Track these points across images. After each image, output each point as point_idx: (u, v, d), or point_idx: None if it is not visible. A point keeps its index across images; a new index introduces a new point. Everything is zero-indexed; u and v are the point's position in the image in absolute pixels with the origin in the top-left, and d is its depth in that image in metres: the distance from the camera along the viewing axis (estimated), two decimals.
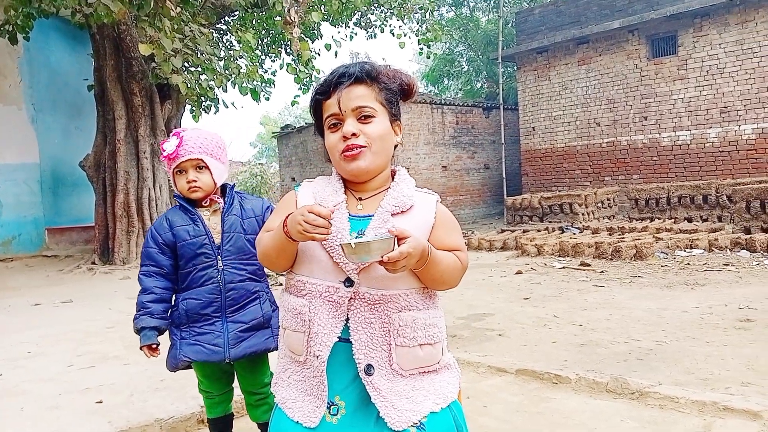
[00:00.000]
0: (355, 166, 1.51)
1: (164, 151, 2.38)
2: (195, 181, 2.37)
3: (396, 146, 1.60)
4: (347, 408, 1.48)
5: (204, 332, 2.36)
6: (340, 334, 1.48)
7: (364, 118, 1.51)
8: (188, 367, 2.45)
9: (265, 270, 2.47)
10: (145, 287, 2.39)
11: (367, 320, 1.48)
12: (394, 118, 1.58)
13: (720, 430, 2.75)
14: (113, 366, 4.18)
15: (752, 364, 3.70)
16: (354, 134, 1.49)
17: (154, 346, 2.35)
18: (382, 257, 1.33)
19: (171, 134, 2.43)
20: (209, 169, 2.38)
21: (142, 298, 2.38)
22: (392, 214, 1.51)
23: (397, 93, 1.58)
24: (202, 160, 2.36)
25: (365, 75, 1.52)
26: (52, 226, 12.30)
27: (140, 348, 2.36)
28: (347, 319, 1.48)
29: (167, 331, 2.43)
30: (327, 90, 1.54)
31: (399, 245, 1.35)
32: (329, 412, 1.48)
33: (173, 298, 2.45)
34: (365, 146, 1.50)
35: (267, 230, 1.59)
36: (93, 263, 10.17)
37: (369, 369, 1.47)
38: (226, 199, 2.47)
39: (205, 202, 2.45)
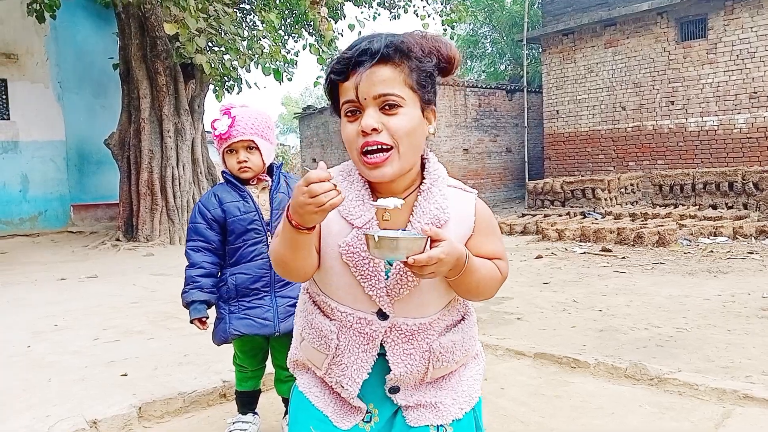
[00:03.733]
0: (380, 174, 1.24)
1: (215, 129, 2.39)
2: (246, 161, 2.41)
3: (427, 138, 1.32)
4: (381, 416, 1.41)
5: (254, 306, 2.42)
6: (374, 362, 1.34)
7: (388, 107, 1.21)
8: (233, 340, 2.49)
9: None
10: (193, 261, 2.44)
11: (405, 351, 1.34)
12: (428, 103, 1.29)
13: (739, 418, 2.74)
14: (137, 340, 4.27)
15: None
16: (375, 129, 1.20)
17: (205, 319, 2.41)
18: (407, 258, 1.15)
19: (221, 110, 2.42)
20: (259, 150, 2.42)
21: (191, 272, 2.43)
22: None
23: (434, 72, 1.28)
24: (253, 141, 2.39)
25: (392, 53, 1.21)
26: (78, 202, 12.52)
27: (191, 321, 2.41)
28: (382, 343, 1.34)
29: (213, 306, 2.48)
30: (345, 70, 1.24)
31: (431, 247, 1.16)
32: (363, 420, 1.40)
33: (220, 273, 2.50)
34: (390, 148, 1.22)
35: (276, 236, 1.32)
36: (117, 240, 10.33)
37: (393, 390, 1.38)
38: (273, 177, 2.51)
39: (253, 181, 2.49)
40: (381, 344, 1.34)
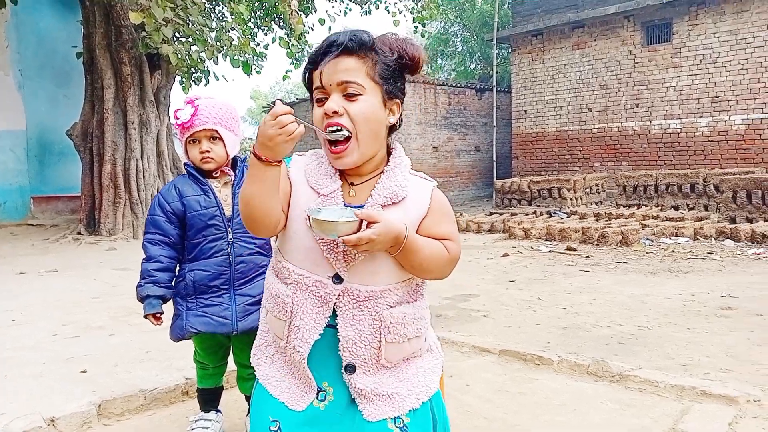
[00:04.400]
0: (341, 163, 1.40)
1: (178, 119, 2.34)
2: (208, 151, 2.35)
3: (391, 127, 1.46)
4: (335, 394, 1.45)
5: (212, 304, 2.36)
6: (327, 323, 1.42)
7: (350, 95, 1.36)
8: (189, 337, 2.44)
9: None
10: (150, 255, 2.37)
11: (355, 317, 1.41)
12: (391, 96, 1.42)
13: (697, 414, 2.80)
14: (98, 336, 4.18)
15: (732, 351, 3.76)
16: (336, 112, 1.35)
17: (159, 314, 2.35)
18: (338, 237, 1.29)
19: (185, 101, 2.38)
20: (223, 141, 2.37)
21: (148, 266, 2.37)
22: (382, 206, 1.41)
23: (398, 67, 1.41)
24: (216, 131, 2.34)
25: (356, 45, 1.36)
26: (38, 194, 12.19)
27: (144, 316, 2.36)
28: (335, 310, 1.42)
29: (170, 301, 2.42)
30: (316, 59, 1.40)
31: (368, 227, 1.29)
32: (317, 398, 1.45)
33: (177, 267, 2.45)
34: (349, 137, 1.36)
35: (244, 183, 1.44)
36: (79, 233, 10.10)
37: (349, 368, 1.42)
38: (237, 171, 2.46)
39: (216, 174, 2.43)
40: (334, 312, 1.41)
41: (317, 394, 1.45)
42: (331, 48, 1.37)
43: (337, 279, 1.39)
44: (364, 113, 1.36)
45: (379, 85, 1.39)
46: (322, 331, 1.41)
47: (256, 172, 1.31)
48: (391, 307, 1.43)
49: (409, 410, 1.43)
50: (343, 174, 1.46)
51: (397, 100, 1.44)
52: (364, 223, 1.30)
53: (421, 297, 1.51)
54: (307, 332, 1.41)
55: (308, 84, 1.44)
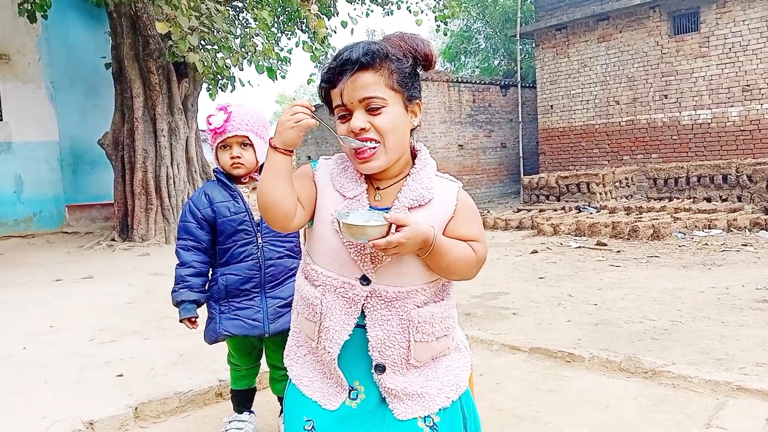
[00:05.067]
0: (367, 167, 1.41)
1: (210, 124, 2.39)
2: (239, 157, 2.40)
3: (413, 129, 1.48)
4: (367, 393, 1.47)
5: (243, 307, 2.42)
6: (356, 324, 1.44)
7: (373, 109, 1.37)
8: (223, 340, 2.50)
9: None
10: (183, 261, 2.43)
11: (384, 317, 1.42)
12: (411, 99, 1.43)
13: (732, 410, 2.75)
14: (133, 341, 4.27)
15: (767, 345, 3.69)
16: (363, 129, 1.37)
17: (194, 318, 2.41)
18: (369, 242, 1.30)
19: (217, 107, 2.43)
20: (253, 147, 2.41)
21: (181, 271, 2.43)
22: (409, 208, 1.42)
23: (413, 70, 1.43)
24: (247, 137, 2.39)
25: (370, 59, 1.36)
26: (72, 203, 12.46)
27: (180, 321, 2.42)
28: (363, 310, 1.44)
29: (204, 305, 2.48)
30: (332, 78, 1.40)
31: (396, 232, 1.29)
32: (349, 397, 1.47)
33: (210, 272, 2.50)
34: (377, 143, 1.38)
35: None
36: (112, 240, 10.30)
37: (378, 368, 1.44)
38: None
39: (245, 179, 2.48)
40: (363, 313, 1.43)
41: (349, 393, 1.46)
42: (346, 66, 1.37)
43: (365, 280, 1.41)
44: (391, 124, 1.38)
45: (399, 93, 1.40)
46: (352, 332, 1.43)
47: (268, 158, 1.40)
48: (419, 307, 1.44)
49: (440, 409, 1.45)
50: (368, 178, 1.47)
51: (417, 101, 1.46)
52: (393, 227, 1.31)
53: (448, 296, 1.52)
54: (336, 333, 1.43)
55: (326, 100, 1.46)
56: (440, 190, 1.47)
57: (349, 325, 1.43)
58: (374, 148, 1.39)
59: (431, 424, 1.44)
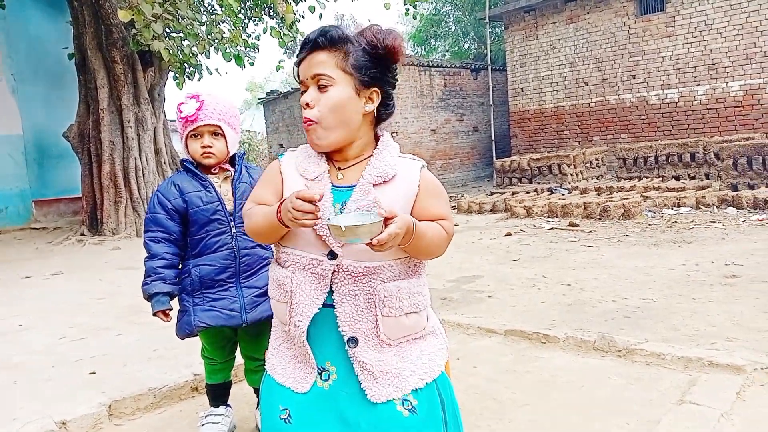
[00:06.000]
0: (310, 140, 1.51)
1: (181, 112, 2.35)
2: (210, 147, 2.37)
3: (381, 115, 1.53)
4: (338, 373, 1.48)
5: (219, 298, 2.39)
6: (324, 303, 1.47)
7: (321, 86, 1.45)
8: (196, 334, 2.46)
9: None
10: (154, 253, 2.39)
11: (351, 292, 1.46)
12: (366, 85, 1.48)
13: (705, 385, 2.81)
14: (105, 337, 4.20)
15: (737, 320, 3.76)
16: (308, 104, 1.46)
17: (168, 311, 2.38)
18: (371, 240, 1.29)
19: (188, 95, 2.39)
20: (225, 137, 2.38)
21: (152, 263, 2.38)
22: (374, 185, 1.47)
23: (373, 57, 1.47)
24: (219, 126, 2.36)
25: (325, 40, 1.45)
26: (39, 198, 12.19)
27: (154, 314, 2.38)
28: (332, 289, 1.46)
29: (175, 298, 2.44)
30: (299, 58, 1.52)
31: (386, 225, 1.30)
32: (320, 378, 1.49)
33: (181, 264, 2.47)
34: (314, 121, 1.46)
35: (254, 201, 1.57)
36: (82, 234, 10.12)
37: (351, 342, 1.46)
38: (236, 167, 2.48)
39: (215, 170, 2.44)
40: (332, 292, 1.47)
41: (320, 374, 1.49)
42: (306, 45, 1.47)
43: (332, 256, 1.45)
44: (332, 104, 1.45)
45: (350, 75, 1.46)
46: (320, 307, 1.46)
47: (272, 222, 1.44)
48: (385, 282, 1.47)
49: (413, 390, 1.47)
50: (330, 160, 1.54)
51: (375, 89, 1.49)
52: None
53: (418, 275, 1.54)
54: (306, 307, 1.47)
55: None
56: (403, 169, 1.51)
57: (318, 299, 1.46)
58: (311, 122, 1.47)
59: (410, 407, 1.46)
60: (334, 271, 1.45)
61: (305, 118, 1.48)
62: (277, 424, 1.51)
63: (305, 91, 1.49)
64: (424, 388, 1.48)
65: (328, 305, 1.47)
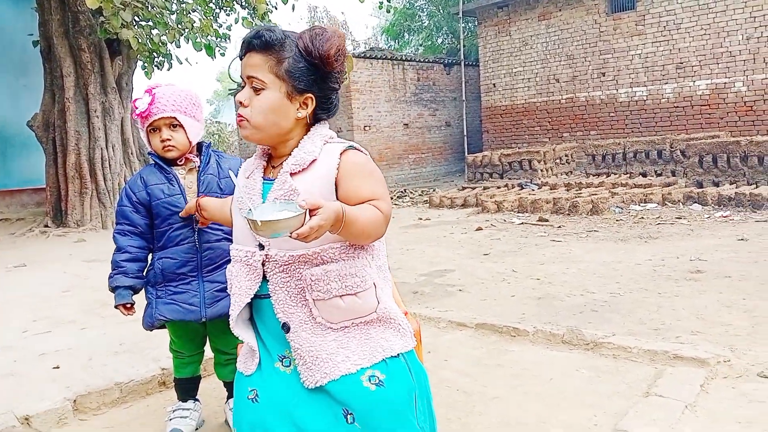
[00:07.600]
0: (241, 134, 1.60)
1: (136, 108, 2.32)
2: (169, 140, 2.32)
3: (318, 118, 1.55)
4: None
5: (180, 291, 2.37)
6: (264, 293, 1.52)
7: (255, 89, 1.48)
8: (163, 326, 2.43)
9: None
10: (119, 246, 2.37)
11: (282, 280, 1.50)
12: (299, 91, 1.49)
13: (670, 378, 2.86)
14: (70, 331, 4.11)
15: (701, 314, 3.84)
16: (241, 103, 1.49)
17: (129, 305, 2.35)
18: (290, 234, 1.26)
19: (144, 90, 2.35)
20: (183, 128, 2.34)
21: (117, 257, 2.37)
22: (291, 174, 1.49)
23: (309, 63, 1.48)
24: (175, 118, 2.31)
25: (259, 44, 1.47)
26: (2, 188, 11.88)
27: (115, 307, 2.35)
28: (267, 278, 1.52)
29: (143, 291, 2.41)
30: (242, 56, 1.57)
31: (311, 216, 1.27)
32: (282, 364, 1.54)
33: (149, 257, 2.43)
34: (246, 119, 1.49)
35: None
36: (46, 226, 9.89)
37: (284, 327, 1.50)
38: (202, 157, 2.44)
39: (180, 161, 2.40)
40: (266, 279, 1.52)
41: (282, 361, 1.54)
42: (242, 46, 1.51)
43: (262, 247, 1.51)
44: (261, 107, 1.48)
45: (283, 81, 1.48)
46: (254, 297, 1.53)
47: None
48: (312, 267, 1.47)
49: (341, 375, 1.45)
50: (270, 158, 1.61)
51: (309, 95, 1.51)
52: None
53: (353, 257, 1.50)
54: (239, 297, 1.54)
55: None
56: (325, 153, 1.51)
57: (251, 289, 1.52)
58: (243, 119, 1.50)
59: (377, 381, 1.47)
60: (264, 261, 1.50)
61: (238, 114, 1.51)
62: (245, 404, 1.57)
63: (244, 87, 1.52)
64: (393, 364, 1.49)
65: (267, 295, 1.52)
